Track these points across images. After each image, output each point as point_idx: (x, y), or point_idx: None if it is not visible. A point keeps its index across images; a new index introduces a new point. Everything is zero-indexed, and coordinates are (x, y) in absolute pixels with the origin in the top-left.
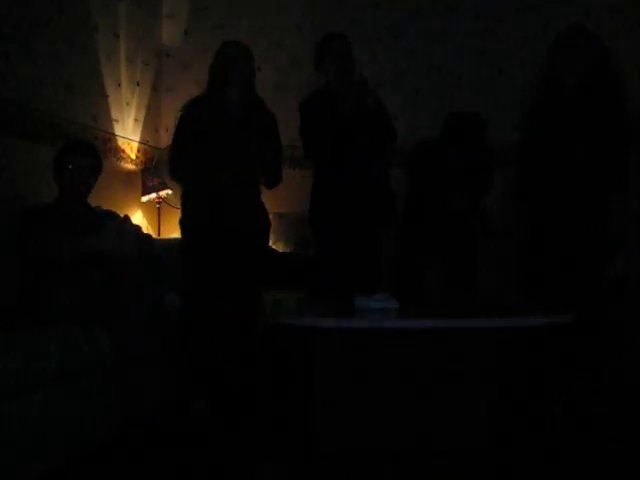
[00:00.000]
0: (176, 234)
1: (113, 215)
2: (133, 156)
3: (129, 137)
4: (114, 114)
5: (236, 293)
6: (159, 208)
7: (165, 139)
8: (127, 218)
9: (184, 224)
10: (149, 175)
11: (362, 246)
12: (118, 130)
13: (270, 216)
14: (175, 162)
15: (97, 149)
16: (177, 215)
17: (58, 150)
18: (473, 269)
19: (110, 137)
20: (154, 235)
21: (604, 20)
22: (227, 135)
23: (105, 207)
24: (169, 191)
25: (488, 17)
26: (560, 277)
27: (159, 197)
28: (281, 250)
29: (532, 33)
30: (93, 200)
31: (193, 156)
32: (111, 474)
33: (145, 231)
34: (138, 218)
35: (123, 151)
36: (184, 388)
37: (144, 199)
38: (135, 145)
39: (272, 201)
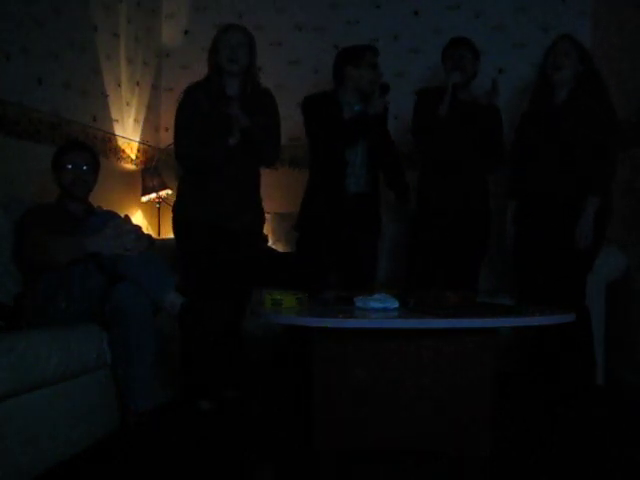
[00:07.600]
0: None
1: (113, 215)
2: (133, 156)
3: (129, 137)
4: (114, 114)
5: (229, 291)
6: (159, 208)
7: (165, 139)
8: (127, 218)
9: (178, 219)
10: (149, 175)
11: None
12: (118, 130)
13: (270, 216)
14: (180, 141)
15: (92, 147)
16: None
17: (55, 152)
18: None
19: (110, 137)
20: (154, 235)
21: (601, 20)
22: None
23: (105, 207)
24: (169, 191)
25: (488, 17)
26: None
27: (159, 197)
28: (281, 250)
29: (532, 33)
30: (93, 200)
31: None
32: (111, 474)
33: (145, 231)
34: (138, 218)
35: (123, 151)
36: (188, 387)
37: (144, 199)
38: (135, 145)
39: (272, 201)
